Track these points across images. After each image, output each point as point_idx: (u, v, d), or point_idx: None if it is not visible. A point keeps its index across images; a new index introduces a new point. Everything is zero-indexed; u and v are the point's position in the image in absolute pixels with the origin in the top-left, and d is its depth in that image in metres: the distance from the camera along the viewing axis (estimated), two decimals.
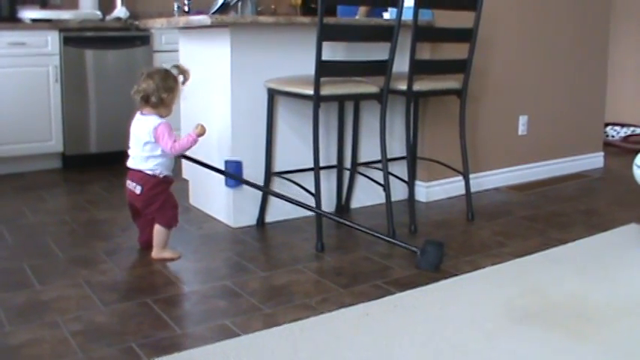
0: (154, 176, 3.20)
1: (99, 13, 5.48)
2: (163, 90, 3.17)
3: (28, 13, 5.12)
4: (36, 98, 5.04)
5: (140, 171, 3.21)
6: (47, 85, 5.06)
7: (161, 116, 3.21)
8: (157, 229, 3.26)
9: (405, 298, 2.81)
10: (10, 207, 4.18)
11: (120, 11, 5.66)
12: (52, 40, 5.04)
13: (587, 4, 5.16)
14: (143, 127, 3.19)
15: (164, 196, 3.25)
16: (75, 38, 5.15)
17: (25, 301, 2.75)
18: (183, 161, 3.88)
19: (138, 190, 3.22)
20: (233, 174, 3.66)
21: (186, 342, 2.41)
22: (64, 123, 5.16)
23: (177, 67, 3.33)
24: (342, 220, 3.70)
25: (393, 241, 3.36)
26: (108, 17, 5.58)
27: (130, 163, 3.25)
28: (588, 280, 3.00)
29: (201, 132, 3.24)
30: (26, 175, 5.06)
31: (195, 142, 3.23)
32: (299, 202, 3.53)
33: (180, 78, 3.29)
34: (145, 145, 3.18)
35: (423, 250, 3.17)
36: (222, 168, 3.71)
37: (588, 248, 3.46)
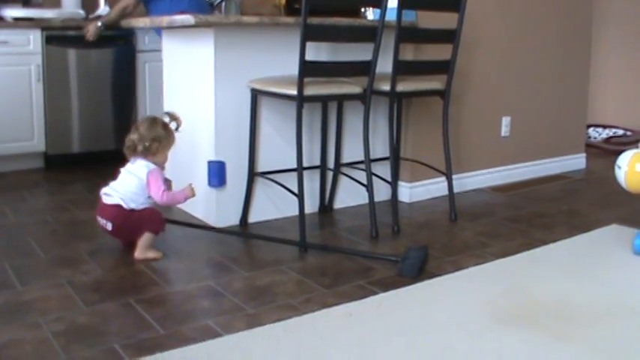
0: (124, 209, 3.22)
1: (82, 12, 5.45)
2: (149, 139, 3.24)
3: (10, 12, 5.08)
4: (18, 97, 5.00)
5: (112, 205, 3.24)
6: (29, 84, 5.02)
7: (155, 164, 3.28)
8: (146, 234, 3.26)
9: (389, 298, 2.81)
10: None
11: (103, 10, 5.62)
12: (34, 39, 5.01)
13: (570, 7, 5.20)
14: (139, 167, 3.25)
15: (137, 216, 3.25)
16: (57, 37, 5.12)
17: (5, 302, 2.73)
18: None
19: (109, 226, 3.26)
20: (219, 229, 3.70)
21: (169, 342, 2.40)
22: (46, 122, 5.13)
23: (168, 114, 3.44)
24: (323, 247, 3.71)
25: (372, 255, 3.32)
26: (91, 16, 5.55)
27: (104, 198, 3.28)
28: (571, 281, 3.01)
29: (190, 195, 3.37)
30: (8, 175, 5.02)
31: (183, 202, 3.41)
32: (281, 239, 3.53)
33: (173, 125, 3.34)
34: (136, 181, 3.24)
35: (404, 257, 3.15)
36: (206, 168, 3.72)
37: (570, 249, 3.48)
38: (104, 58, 5.32)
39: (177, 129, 3.38)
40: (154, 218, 3.28)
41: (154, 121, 3.32)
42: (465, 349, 2.37)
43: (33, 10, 5.23)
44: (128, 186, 3.24)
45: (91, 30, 5.12)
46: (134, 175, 3.25)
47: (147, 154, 3.26)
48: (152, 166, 3.26)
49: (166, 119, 3.37)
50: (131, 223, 3.24)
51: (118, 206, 3.22)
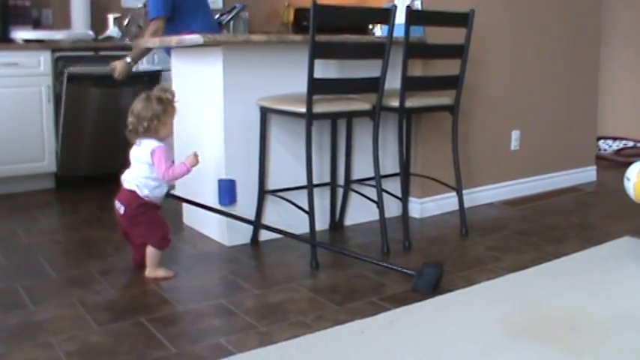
0: (139, 197, 3.21)
1: (91, 33, 5.49)
2: (147, 119, 3.19)
3: (20, 34, 5.12)
4: (29, 118, 5.03)
5: (129, 191, 3.22)
6: (40, 105, 5.05)
7: (160, 140, 3.22)
8: (149, 250, 3.25)
9: (401, 314, 2.81)
10: (3, 227, 4.17)
11: (112, 31, 5.67)
12: (44, 61, 5.04)
13: (578, 20, 5.20)
14: (142, 150, 3.21)
15: (149, 217, 3.24)
16: (67, 58, 5.15)
17: (18, 322, 2.73)
18: (178, 180, 3.88)
19: (122, 210, 3.23)
20: (223, 211, 3.65)
21: None
22: (57, 143, 5.16)
23: (160, 89, 3.33)
24: (334, 249, 3.72)
25: (389, 265, 3.31)
26: (100, 37, 5.59)
27: (123, 183, 3.26)
28: (583, 294, 3.00)
29: (194, 162, 3.28)
30: (19, 196, 5.05)
31: (188, 172, 3.27)
32: (292, 234, 3.56)
33: (168, 95, 3.27)
34: (144, 165, 3.21)
35: (420, 272, 3.13)
36: (216, 186, 3.72)
37: (583, 262, 3.47)
38: (124, 94, 5.16)
39: (172, 98, 3.28)
40: (159, 232, 3.26)
41: (148, 98, 3.22)
42: None
43: (43, 32, 5.27)
44: (137, 172, 3.23)
45: (119, 68, 4.63)
46: (139, 160, 3.22)
47: (149, 133, 3.20)
48: (155, 144, 3.20)
49: (158, 93, 3.27)
50: (140, 218, 3.22)
51: (134, 192, 3.21)
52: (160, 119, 3.20)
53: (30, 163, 5.09)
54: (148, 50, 4.67)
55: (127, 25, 5.79)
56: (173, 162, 3.29)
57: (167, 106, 3.23)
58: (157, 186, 3.24)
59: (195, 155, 3.30)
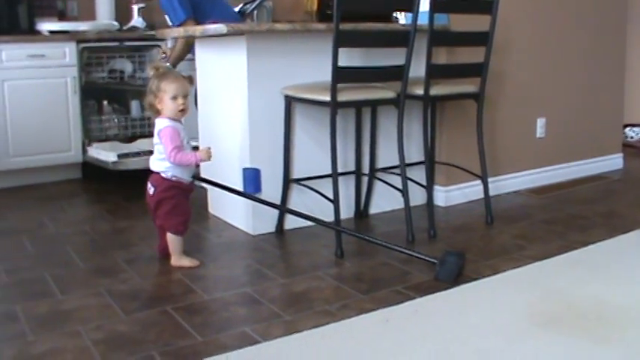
0: (166, 179, 3.21)
1: (116, 23, 5.52)
2: (147, 101, 3.21)
3: (46, 25, 5.16)
4: (55, 109, 5.07)
5: (156, 173, 3.24)
6: (66, 96, 5.09)
7: (170, 118, 3.17)
8: (169, 236, 3.27)
9: (426, 303, 2.80)
10: (31, 217, 4.21)
11: (137, 21, 5.70)
12: (69, 52, 5.08)
13: (604, 6, 5.14)
14: (155, 129, 3.21)
15: (174, 201, 3.23)
16: (92, 49, 5.18)
17: (47, 311, 2.77)
18: (202, 168, 3.89)
19: (151, 191, 3.25)
20: (250, 195, 3.65)
21: (207, 350, 2.41)
22: (83, 134, 5.20)
23: (152, 66, 3.32)
24: (359, 235, 3.71)
25: (411, 252, 3.31)
26: (125, 27, 5.62)
27: (150, 165, 3.28)
28: (610, 283, 2.98)
29: (205, 158, 3.21)
30: (46, 186, 5.10)
31: (196, 163, 3.22)
32: (315, 218, 3.55)
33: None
34: (157, 145, 3.22)
35: (442, 260, 3.12)
36: (241, 175, 3.73)
37: (609, 250, 3.44)
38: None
39: (164, 73, 3.22)
40: (177, 218, 3.25)
41: (151, 75, 3.23)
42: (502, 353, 2.35)
43: (68, 24, 5.31)
44: (155, 155, 3.24)
45: None
46: (154, 140, 3.23)
47: (155, 111, 3.20)
48: (164, 124, 3.16)
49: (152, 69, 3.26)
50: (166, 201, 3.22)
51: (159, 173, 3.22)
52: (158, 94, 3.16)
53: (57, 153, 5.13)
54: (187, 51, 4.69)
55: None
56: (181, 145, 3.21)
57: (162, 78, 3.17)
58: (172, 167, 3.20)
59: (208, 150, 3.23)
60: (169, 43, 5.12)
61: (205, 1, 4.61)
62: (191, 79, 3.28)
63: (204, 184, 3.77)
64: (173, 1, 4.49)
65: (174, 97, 3.14)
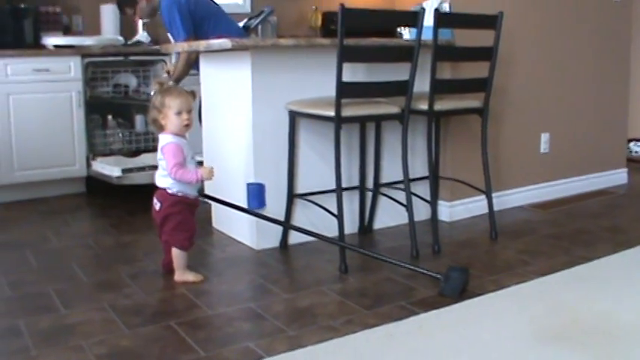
0: (172, 194, 3.20)
1: (121, 38, 5.54)
2: (151, 117, 3.22)
3: (51, 40, 5.18)
4: (60, 123, 5.08)
5: (162, 188, 3.23)
6: (70, 110, 5.10)
7: (173, 134, 3.18)
8: (173, 251, 3.27)
9: (430, 318, 2.80)
10: (35, 231, 4.21)
11: (141, 36, 5.71)
12: (74, 66, 5.09)
13: (608, 20, 5.15)
14: (159, 145, 3.22)
15: (181, 217, 3.23)
16: (97, 63, 5.20)
17: (50, 325, 2.76)
18: (206, 183, 3.89)
19: (157, 206, 3.24)
20: (254, 212, 3.65)
21: None
22: (87, 148, 5.21)
23: (156, 82, 3.34)
24: (363, 250, 3.70)
25: (415, 268, 3.30)
26: (129, 42, 5.64)
27: (155, 181, 3.28)
28: (615, 299, 2.96)
29: (207, 177, 3.21)
30: (50, 200, 5.10)
31: (197, 181, 3.21)
32: (318, 234, 3.55)
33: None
34: (159, 161, 3.23)
35: (446, 276, 3.12)
36: (245, 190, 3.73)
37: (614, 266, 3.43)
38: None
39: (168, 89, 3.24)
40: (183, 234, 3.24)
41: (154, 90, 3.26)
42: None
43: (73, 38, 5.32)
44: (159, 171, 3.24)
45: None
46: (158, 159, 3.24)
47: (159, 127, 3.20)
48: (167, 140, 3.17)
49: (156, 87, 3.28)
50: (172, 217, 3.21)
51: (165, 189, 3.21)
52: (162, 110, 3.16)
53: (61, 167, 5.14)
54: (189, 68, 4.69)
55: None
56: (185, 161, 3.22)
57: (166, 95, 3.18)
58: (176, 183, 3.19)
59: (211, 170, 3.23)
60: (173, 58, 5.13)
61: (209, 18, 4.62)
62: (194, 94, 3.28)
63: (208, 200, 3.76)
64: (175, 20, 4.50)
65: (179, 113, 3.15)
